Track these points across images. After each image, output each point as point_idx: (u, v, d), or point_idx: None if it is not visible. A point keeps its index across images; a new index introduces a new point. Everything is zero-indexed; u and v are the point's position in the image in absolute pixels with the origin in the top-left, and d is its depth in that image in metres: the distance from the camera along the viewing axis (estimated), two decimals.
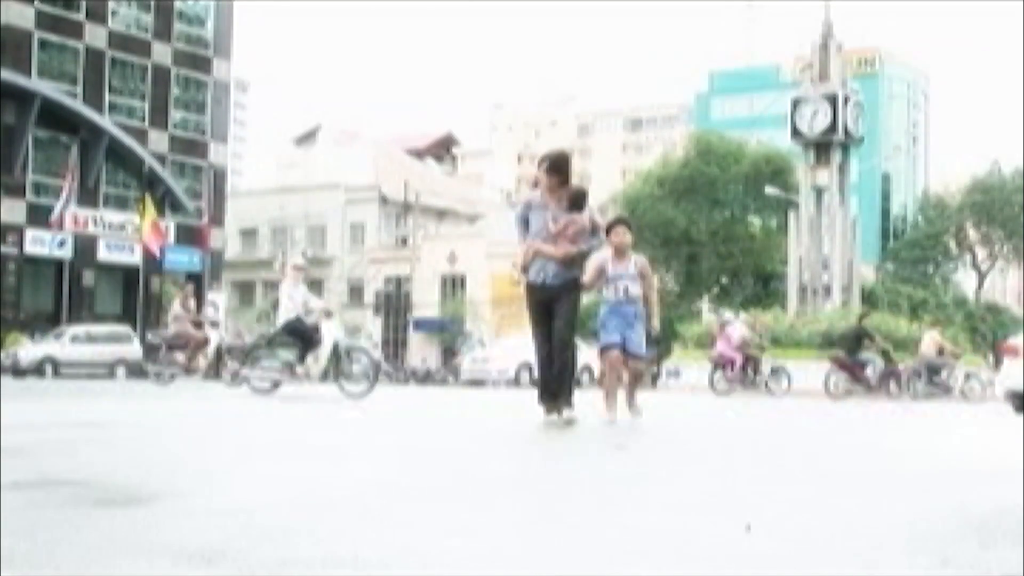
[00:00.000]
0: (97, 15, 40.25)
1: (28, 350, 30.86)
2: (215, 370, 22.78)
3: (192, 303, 19.87)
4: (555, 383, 7.52)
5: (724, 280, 50.55)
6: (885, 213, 75.49)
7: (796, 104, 33.16)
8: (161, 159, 41.43)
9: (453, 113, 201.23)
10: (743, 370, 21.60)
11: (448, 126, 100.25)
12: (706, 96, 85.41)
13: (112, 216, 39.62)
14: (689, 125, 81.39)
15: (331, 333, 13.70)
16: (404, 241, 60.31)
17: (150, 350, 20.74)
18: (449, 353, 50.42)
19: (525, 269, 7.62)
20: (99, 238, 39.41)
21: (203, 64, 43.81)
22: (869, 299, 39.20)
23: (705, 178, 48.83)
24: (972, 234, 59.95)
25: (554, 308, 7.57)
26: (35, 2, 38.42)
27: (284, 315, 13.52)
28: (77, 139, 38.07)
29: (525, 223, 7.68)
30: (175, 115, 42.81)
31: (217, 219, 41.73)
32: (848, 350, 21.18)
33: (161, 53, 42.16)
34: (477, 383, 29.16)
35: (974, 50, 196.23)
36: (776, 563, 2.49)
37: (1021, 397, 13.03)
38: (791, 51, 66.87)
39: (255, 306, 55.41)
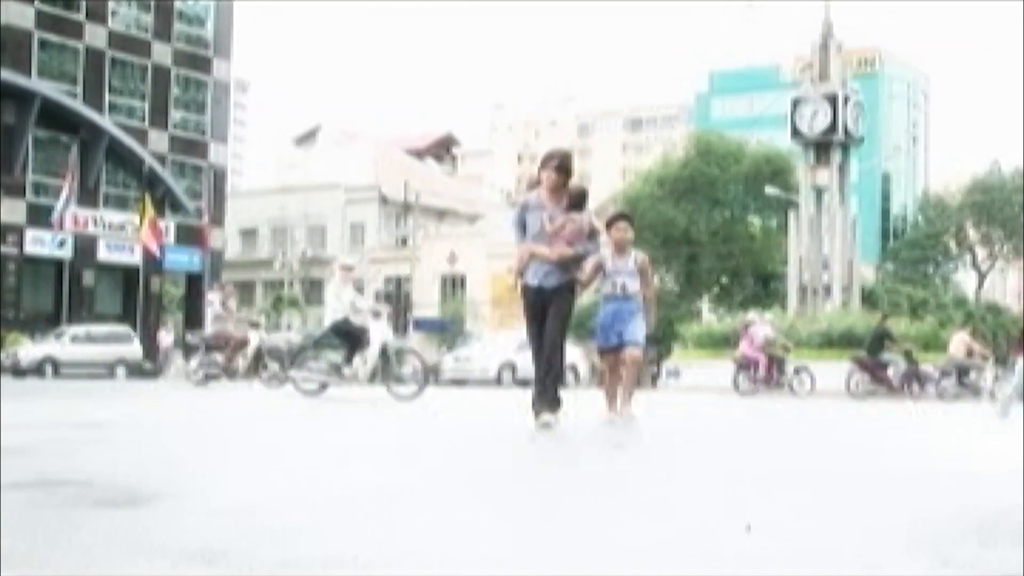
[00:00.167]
0: (97, 15, 40.20)
1: (28, 350, 30.81)
2: (254, 370, 22.48)
3: (233, 303, 19.51)
4: (539, 384, 7.46)
5: (724, 280, 50.49)
6: (885, 213, 75.52)
7: (796, 104, 33.13)
8: (161, 159, 41.38)
9: (453, 113, 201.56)
10: (768, 371, 21.22)
11: (448, 126, 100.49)
12: (706, 96, 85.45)
13: (112, 216, 39.57)
14: (689, 125, 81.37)
15: (380, 334, 13.14)
16: (404, 241, 60.28)
17: (188, 350, 20.41)
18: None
19: (522, 273, 7.57)
20: (99, 238, 39.36)
21: (203, 64, 43.76)
22: (869, 299, 39.16)
23: (705, 178, 48.78)
24: (972, 234, 59.91)
25: (548, 310, 7.52)
26: (35, 2, 38.36)
27: (331, 316, 13.11)
28: (77, 139, 37.99)
29: (522, 226, 7.61)
30: (175, 115, 42.76)
31: (217, 219, 41.69)
32: (870, 351, 21.13)
33: (161, 53, 42.12)
34: (459, 383, 27.09)
35: (974, 50, 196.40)
36: (777, 563, 2.48)
37: None
38: (791, 51, 66.75)
39: (255, 306, 55.37)
